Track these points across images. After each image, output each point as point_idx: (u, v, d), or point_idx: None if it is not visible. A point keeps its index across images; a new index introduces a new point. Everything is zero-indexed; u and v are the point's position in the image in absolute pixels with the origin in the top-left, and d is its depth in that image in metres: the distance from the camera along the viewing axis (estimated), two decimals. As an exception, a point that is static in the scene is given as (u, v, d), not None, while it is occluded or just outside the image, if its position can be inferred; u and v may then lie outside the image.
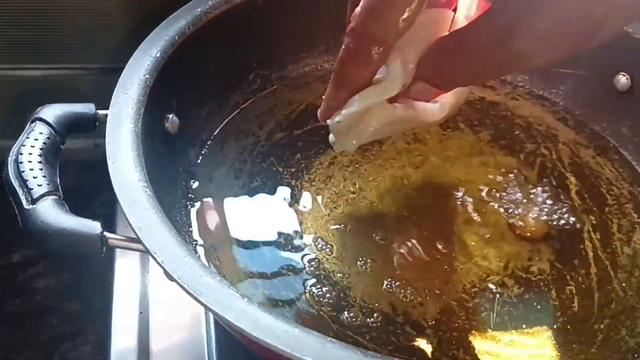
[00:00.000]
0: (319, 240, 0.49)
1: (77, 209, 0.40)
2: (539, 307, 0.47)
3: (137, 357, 0.50)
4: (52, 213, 0.39)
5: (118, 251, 0.58)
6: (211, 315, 0.52)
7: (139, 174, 0.41)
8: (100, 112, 0.46)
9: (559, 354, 0.44)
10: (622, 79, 0.58)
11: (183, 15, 0.53)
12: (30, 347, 0.74)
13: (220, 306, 0.34)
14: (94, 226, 0.39)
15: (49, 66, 0.65)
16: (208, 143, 0.56)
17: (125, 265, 0.57)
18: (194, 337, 0.52)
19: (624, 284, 0.49)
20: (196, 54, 0.53)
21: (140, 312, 0.54)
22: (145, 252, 0.37)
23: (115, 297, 0.55)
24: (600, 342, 0.45)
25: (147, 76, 0.48)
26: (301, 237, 0.49)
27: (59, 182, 0.42)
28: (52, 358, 0.74)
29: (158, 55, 0.49)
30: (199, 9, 0.54)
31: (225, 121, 0.58)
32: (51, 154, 0.43)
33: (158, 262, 0.36)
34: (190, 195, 0.52)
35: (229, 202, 0.52)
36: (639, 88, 0.58)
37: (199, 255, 0.47)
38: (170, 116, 0.51)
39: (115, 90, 0.46)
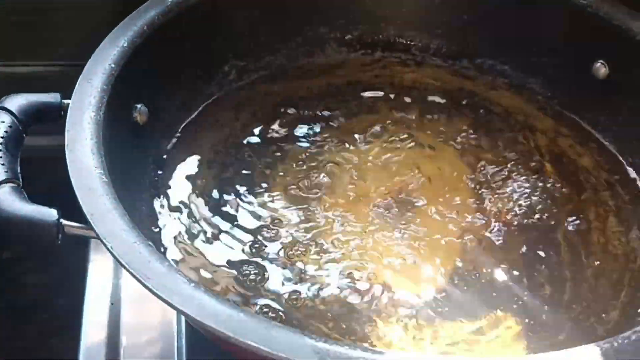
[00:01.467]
0: (291, 232, 0.49)
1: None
2: (509, 293, 0.47)
3: (107, 348, 0.50)
4: (8, 200, 0.39)
5: (92, 243, 0.58)
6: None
7: (96, 162, 0.41)
8: (66, 101, 0.46)
9: (525, 340, 0.44)
10: (601, 67, 0.58)
11: (153, 6, 0.53)
12: (19, 341, 0.75)
13: (167, 291, 0.34)
14: (50, 213, 0.39)
15: (32, 63, 0.65)
16: (181, 133, 0.56)
17: (100, 258, 0.57)
18: (164, 330, 0.52)
19: (596, 273, 0.49)
20: (167, 44, 0.53)
21: (112, 304, 0.54)
22: (98, 239, 0.37)
23: (87, 289, 0.55)
24: (569, 330, 0.45)
25: (113, 65, 0.48)
26: (272, 229, 0.49)
27: (19, 170, 0.42)
28: (41, 352, 0.74)
29: (125, 45, 0.49)
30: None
31: (199, 111, 0.58)
32: (12, 143, 0.43)
33: (107, 248, 0.36)
34: (159, 185, 0.51)
35: (200, 192, 0.52)
36: (617, 76, 0.57)
37: (163, 244, 0.47)
38: (139, 106, 0.51)
39: (79, 79, 0.46)
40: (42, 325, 0.76)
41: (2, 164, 0.41)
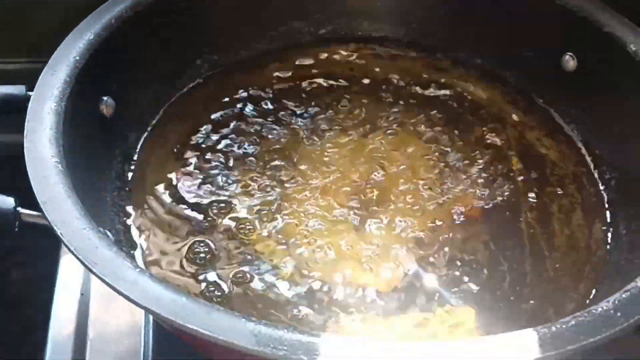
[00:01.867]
0: (254, 219, 0.50)
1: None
2: (469, 285, 0.47)
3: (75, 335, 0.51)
4: (-31, 188, 0.40)
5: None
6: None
7: (53, 151, 0.41)
8: (31, 93, 0.47)
9: (482, 331, 0.44)
10: (570, 60, 0.58)
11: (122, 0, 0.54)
12: (3, 336, 0.76)
13: (112, 276, 0.35)
14: (6, 201, 0.40)
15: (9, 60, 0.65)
16: (150, 126, 0.56)
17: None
18: (131, 322, 0.52)
19: (557, 265, 0.49)
20: (135, 38, 0.54)
21: (82, 294, 0.54)
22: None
23: (58, 279, 0.56)
24: (526, 321, 0.45)
25: (77, 58, 0.48)
26: (228, 212, 0.50)
27: (-19, 160, 0.43)
28: (22, 347, 0.75)
29: (91, 38, 0.50)
30: (140, -7, 0.54)
31: (169, 104, 0.58)
32: (-24, 133, 0.43)
33: (57, 234, 0.36)
34: (126, 176, 0.52)
35: (167, 182, 0.52)
36: (585, 68, 0.57)
37: (126, 233, 0.48)
38: (106, 99, 0.51)
39: (43, 71, 0.47)
40: (25, 320, 0.77)
41: (-38, 154, 0.41)
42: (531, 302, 0.46)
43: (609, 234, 0.51)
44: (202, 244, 0.47)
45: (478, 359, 0.32)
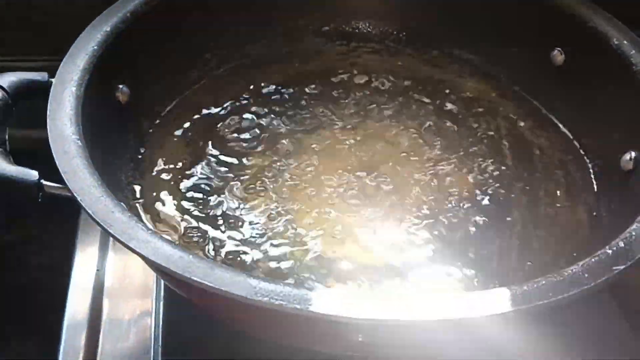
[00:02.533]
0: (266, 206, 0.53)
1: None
2: (457, 263, 0.50)
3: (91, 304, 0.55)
4: (-6, 162, 0.43)
5: (82, 216, 0.62)
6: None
7: (73, 129, 0.45)
8: (53, 80, 0.51)
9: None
10: (558, 54, 0.61)
11: (137, -5, 0.58)
12: (18, 317, 0.79)
13: (126, 236, 0.38)
14: (31, 174, 0.44)
15: (32, 58, 0.70)
16: (162, 114, 0.60)
17: (88, 230, 0.62)
18: (143, 298, 0.56)
19: (542, 242, 0.52)
20: (149, 31, 0.58)
21: (97, 270, 0.58)
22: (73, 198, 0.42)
23: (76, 256, 0.60)
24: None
25: (95, 47, 0.52)
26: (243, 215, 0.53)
27: (6, 138, 0.46)
28: (38, 328, 0.78)
29: (108, 29, 0.54)
30: (154, -10, 0.58)
31: (182, 96, 0.62)
32: (2, 114, 0.47)
33: (77, 200, 0.40)
34: (139, 159, 0.56)
35: (177, 167, 0.56)
36: (572, 63, 0.60)
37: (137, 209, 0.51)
38: (121, 86, 0.55)
39: (64, 59, 0.51)
40: (41, 303, 0.80)
41: (-9, 131, 0.45)
42: (518, 274, 0.49)
43: (591, 215, 0.54)
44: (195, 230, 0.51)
45: (457, 311, 0.35)
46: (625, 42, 0.55)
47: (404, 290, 0.46)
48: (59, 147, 0.44)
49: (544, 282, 0.37)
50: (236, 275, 0.36)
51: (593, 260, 0.39)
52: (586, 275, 0.38)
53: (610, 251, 0.39)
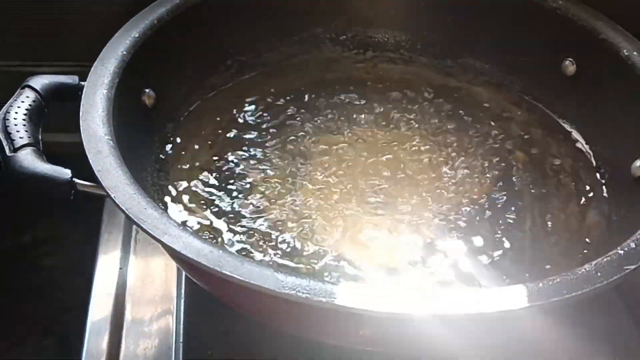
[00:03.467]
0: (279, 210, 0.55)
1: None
2: (472, 266, 0.52)
3: (114, 303, 0.57)
4: (29, 160, 0.45)
5: (105, 217, 0.64)
6: (183, 277, 0.58)
7: (105, 129, 0.47)
8: (83, 83, 0.53)
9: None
10: (569, 65, 0.63)
11: (163, 3, 0.60)
12: (34, 317, 0.81)
13: (159, 231, 0.40)
14: (64, 172, 0.45)
15: (60, 63, 0.72)
16: (185, 118, 0.62)
17: (112, 228, 0.64)
18: (165, 298, 0.58)
19: (554, 246, 0.54)
20: (174, 37, 0.60)
21: (120, 268, 0.60)
22: (106, 195, 0.43)
23: (100, 254, 0.61)
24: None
25: (124, 53, 0.54)
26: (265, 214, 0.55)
27: (40, 138, 0.48)
28: (54, 328, 0.80)
29: (137, 35, 0.56)
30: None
31: (202, 99, 0.64)
32: (35, 115, 0.49)
33: (111, 198, 0.42)
34: (163, 160, 0.58)
35: (199, 169, 0.58)
36: (583, 73, 0.62)
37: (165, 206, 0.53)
38: (147, 90, 0.57)
39: (95, 62, 0.53)
40: (56, 303, 0.82)
41: (26, 131, 0.47)
42: (529, 279, 0.51)
43: (602, 221, 0.55)
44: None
45: (475, 306, 0.37)
46: (635, 53, 0.57)
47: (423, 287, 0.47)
48: (92, 146, 0.45)
49: (558, 280, 0.39)
50: (264, 269, 0.38)
51: (605, 259, 0.41)
52: (599, 274, 0.39)
53: (622, 251, 0.41)
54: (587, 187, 0.58)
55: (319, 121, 0.64)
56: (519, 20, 0.66)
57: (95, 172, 0.44)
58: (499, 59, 0.68)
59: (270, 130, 0.62)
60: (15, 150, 0.46)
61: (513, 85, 0.68)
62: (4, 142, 0.46)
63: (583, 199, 0.57)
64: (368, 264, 0.50)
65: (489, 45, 0.68)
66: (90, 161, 0.44)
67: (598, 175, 0.59)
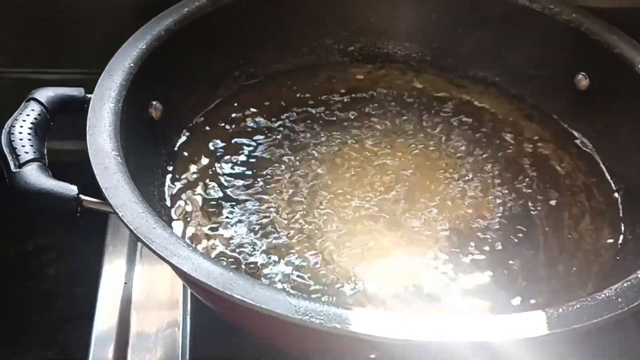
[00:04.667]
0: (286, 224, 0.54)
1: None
2: (486, 281, 0.51)
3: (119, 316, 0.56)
4: (35, 176, 0.44)
5: (110, 229, 0.63)
6: (188, 291, 0.57)
7: (112, 145, 0.46)
8: (89, 95, 0.52)
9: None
10: (582, 79, 0.62)
11: (171, 14, 0.59)
12: (37, 326, 0.80)
13: (168, 252, 0.39)
14: (70, 188, 0.44)
15: (66, 70, 0.71)
16: (192, 129, 0.61)
17: (116, 242, 0.63)
18: (171, 311, 0.57)
19: (567, 265, 0.53)
20: (181, 49, 0.59)
21: (125, 283, 0.59)
22: (113, 213, 0.42)
23: (104, 267, 0.60)
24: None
25: (132, 65, 0.53)
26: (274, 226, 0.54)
27: (45, 152, 0.47)
28: (57, 337, 0.80)
29: (144, 47, 0.55)
30: (186, 9, 0.60)
31: (209, 110, 0.63)
32: (41, 129, 0.48)
33: (119, 216, 0.41)
34: (170, 174, 0.57)
35: (205, 181, 0.57)
36: (597, 87, 0.61)
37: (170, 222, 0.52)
38: (155, 103, 0.56)
39: (102, 75, 0.52)
40: (59, 312, 0.81)
41: (31, 146, 0.46)
42: (541, 296, 0.50)
43: (616, 239, 0.54)
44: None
45: (493, 334, 0.36)
46: (650, 67, 0.56)
47: (435, 312, 0.46)
48: (99, 162, 0.45)
49: (578, 305, 0.38)
50: (276, 293, 0.37)
51: (625, 284, 0.40)
52: (619, 299, 0.38)
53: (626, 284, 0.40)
54: (601, 205, 0.57)
55: (326, 132, 0.63)
56: (531, 33, 0.65)
57: (103, 190, 0.43)
58: (510, 71, 0.68)
59: (280, 141, 0.62)
60: (21, 165, 0.45)
61: (524, 97, 0.67)
62: (9, 158, 0.46)
63: (597, 217, 0.56)
64: (376, 285, 0.49)
65: (500, 57, 0.68)
66: (97, 178, 0.43)
67: (612, 192, 0.58)
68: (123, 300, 0.58)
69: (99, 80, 0.51)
